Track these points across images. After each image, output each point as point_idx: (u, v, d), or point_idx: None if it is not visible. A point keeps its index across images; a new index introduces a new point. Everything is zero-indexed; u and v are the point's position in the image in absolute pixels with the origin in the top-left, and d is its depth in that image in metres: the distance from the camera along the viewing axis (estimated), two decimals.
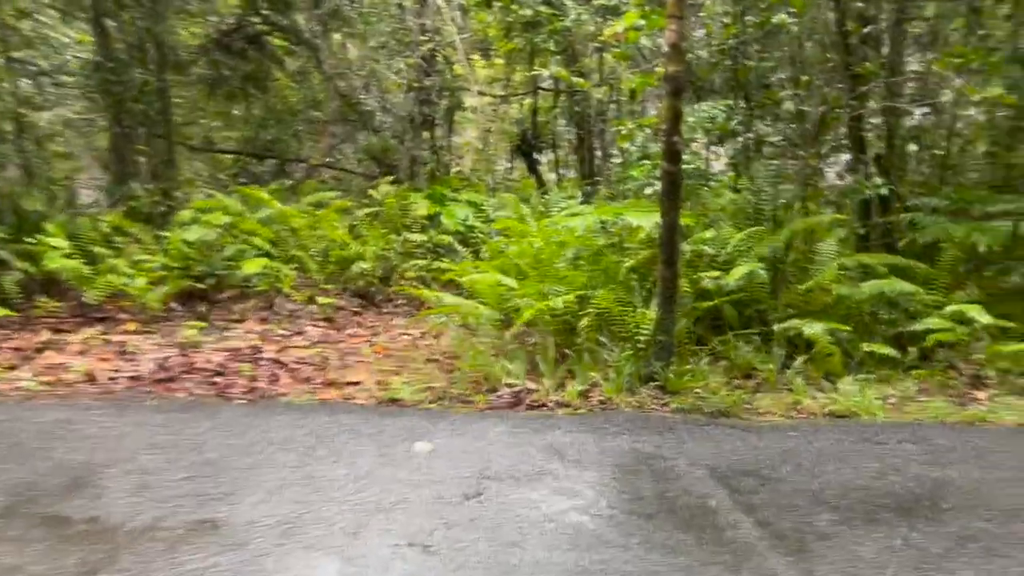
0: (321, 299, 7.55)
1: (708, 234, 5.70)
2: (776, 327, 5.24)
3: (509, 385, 5.00)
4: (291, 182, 11.29)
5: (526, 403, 4.83)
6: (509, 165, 13.21)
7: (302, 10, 10.82)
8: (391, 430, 4.42)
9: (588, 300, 5.32)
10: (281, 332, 7.15)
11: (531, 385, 5.01)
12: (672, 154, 4.60)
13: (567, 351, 5.27)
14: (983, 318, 5.15)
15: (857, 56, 6.54)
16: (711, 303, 5.43)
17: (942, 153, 7.38)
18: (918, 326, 5.44)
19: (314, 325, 7.34)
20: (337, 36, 11.23)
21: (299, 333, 7.15)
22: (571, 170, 12.49)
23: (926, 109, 7.94)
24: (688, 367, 5.02)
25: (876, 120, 6.98)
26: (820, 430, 4.46)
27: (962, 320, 5.45)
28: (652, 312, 4.98)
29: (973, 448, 4.23)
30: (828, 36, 6.88)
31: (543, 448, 4.17)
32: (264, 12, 11.10)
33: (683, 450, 4.19)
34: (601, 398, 4.78)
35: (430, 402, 4.83)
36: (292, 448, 4.17)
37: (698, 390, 4.81)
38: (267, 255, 8.09)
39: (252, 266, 7.54)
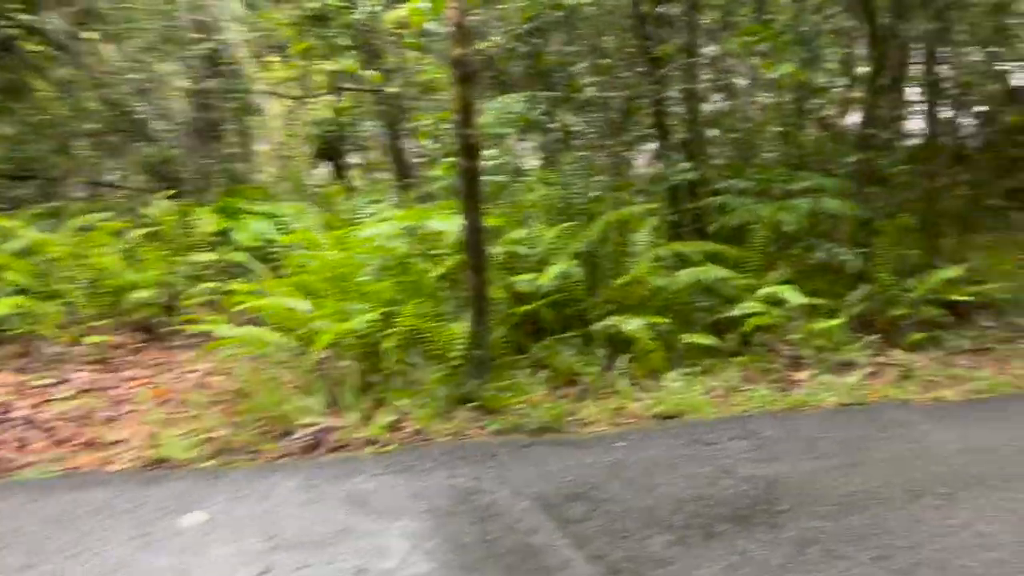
0: (90, 338, 6.42)
1: (519, 233, 5.29)
2: (596, 326, 4.90)
3: (307, 425, 4.30)
4: (59, 204, 9.79)
5: (326, 445, 4.16)
6: (316, 171, 12.32)
7: (51, 8, 9.37)
8: (155, 501, 3.59)
9: (395, 316, 4.72)
10: (40, 383, 5.98)
11: (333, 422, 4.34)
12: (468, 149, 4.11)
13: (374, 377, 4.65)
14: (796, 299, 5.10)
15: (655, 40, 6.42)
16: (528, 307, 5.02)
17: (741, 136, 7.46)
18: (735, 311, 5.32)
19: (82, 370, 6.22)
20: (96, 36, 9.85)
21: (63, 382, 6.00)
22: (386, 172, 11.83)
23: (723, 94, 8.07)
24: (507, 381, 4.56)
25: (680, 108, 6.92)
26: (649, 436, 4.14)
27: (776, 301, 5.41)
28: (464, 325, 4.48)
29: (801, 437, 4.08)
30: (625, 20, 6.73)
31: (345, 500, 3.53)
32: (10, 14, 9.52)
33: (506, 479, 3.70)
34: (414, 428, 4.21)
35: (208, 458, 4.03)
36: (16, 544, 3.25)
37: (519, 406, 4.36)
38: (23, 292, 6.83)
39: (2, 307, 6.29)
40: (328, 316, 4.86)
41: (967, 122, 7.05)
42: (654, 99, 6.11)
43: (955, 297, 5.84)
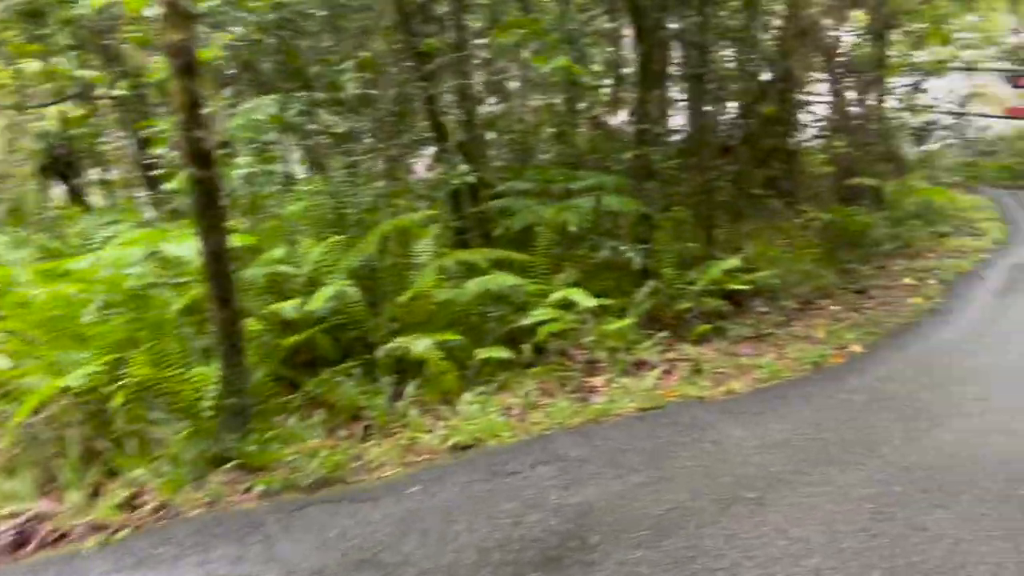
0: None
1: (279, 252, 4.58)
2: (380, 351, 4.33)
3: (9, 515, 3.33)
4: None
5: (38, 539, 3.23)
6: (48, 191, 10.54)
7: None
8: None
9: (127, 364, 3.83)
10: None
11: (47, 507, 3.40)
12: (199, 155, 3.36)
13: (102, 443, 3.73)
14: (586, 301, 4.87)
15: (420, 37, 5.96)
16: (298, 337, 4.34)
17: (517, 137, 7.24)
18: (527, 320, 5.00)
19: None
20: None
21: None
22: (136, 188, 10.36)
23: (498, 96, 7.83)
24: (275, 429, 3.85)
25: (456, 110, 6.54)
26: (445, 474, 3.64)
27: (567, 305, 5.16)
28: (215, 368, 3.71)
29: (606, 453, 3.78)
30: (390, 15, 6.22)
31: None
32: None
33: (275, 555, 3.03)
34: (155, 503, 3.38)
35: None
36: None
37: (291, 457, 3.67)
38: None
39: None
40: (39, 371, 3.86)
41: (728, 116, 7.36)
42: (425, 98, 5.65)
43: (734, 287, 5.96)
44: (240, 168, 4.81)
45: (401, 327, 4.79)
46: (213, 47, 5.15)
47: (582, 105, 8.18)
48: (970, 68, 11.93)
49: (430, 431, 4.01)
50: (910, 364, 5.34)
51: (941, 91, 10.95)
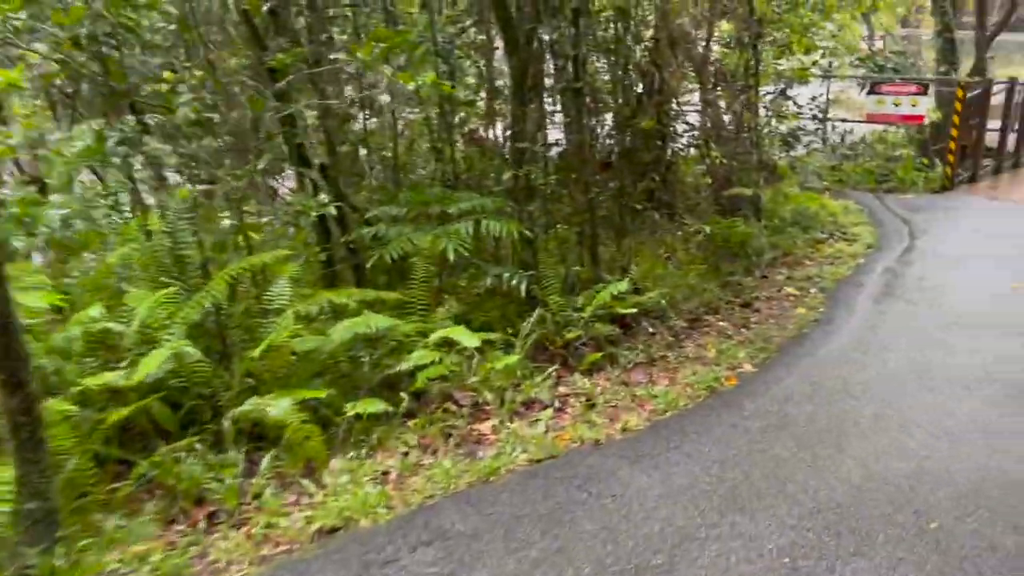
0: None
1: (95, 309, 3.86)
2: (226, 422, 3.70)
3: None
4: None
5: None
6: None
7: None
8: None
9: None
10: None
11: None
12: None
13: None
14: (469, 341, 4.41)
15: (272, 49, 5.34)
16: (127, 409, 3.64)
17: (390, 156, 6.70)
18: (405, 364, 4.49)
19: None
20: None
21: None
22: None
23: (366, 111, 7.26)
24: (92, 534, 3.16)
25: (318, 129, 5.94)
26: (307, 569, 3.08)
27: (449, 342, 4.69)
28: (8, 467, 2.98)
29: (497, 524, 3.33)
30: (232, 23, 5.58)
31: None
32: None
33: None
34: None
35: None
36: None
37: (115, 566, 3.01)
38: None
39: None
40: None
41: (607, 129, 7.12)
42: (280, 119, 5.04)
43: (622, 311, 5.67)
44: (54, 208, 4.05)
45: (257, 385, 4.18)
46: (17, 70, 4.36)
47: (457, 119, 7.74)
48: (830, 75, 12.35)
49: (290, 513, 3.42)
50: (802, 381, 5.22)
51: (804, 98, 11.25)
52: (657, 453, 4.07)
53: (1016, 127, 12.71)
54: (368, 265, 5.41)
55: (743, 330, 6.38)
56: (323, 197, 4.60)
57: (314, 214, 4.60)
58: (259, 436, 3.86)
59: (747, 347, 5.93)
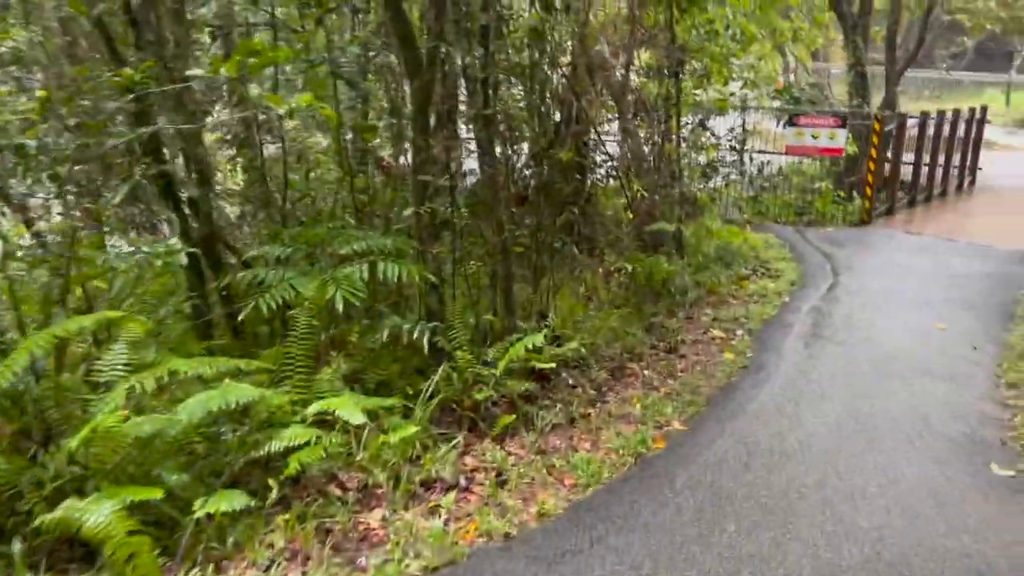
0: None
1: None
2: (16, 542, 2.84)
3: None
4: None
5: None
6: None
7: None
8: None
9: None
10: None
11: None
12: None
13: None
14: (354, 417, 3.67)
15: (131, 65, 4.54)
16: None
17: (274, 189, 5.87)
18: (276, 443, 3.71)
19: None
20: None
21: None
22: None
23: (274, 138, 6.44)
24: None
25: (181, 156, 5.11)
26: None
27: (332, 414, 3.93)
28: None
29: None
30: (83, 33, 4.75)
31: None
32: None
33: None
34: None
35: None
36: None
37: None
38: None
39: None
40: None
41: (523, 160, 6.53)
42: (129, 144, 4.22)
43: (540, 365, 5.03)
44: None
45: (87, 475, 3.32)
46: None
47: (369, 146, 6.99)
48: (747, 107, 12.21)
49: None
50: (736, 442, 4.71)
51: (721, 129, 11.02)
52: (578, 549, 3.42)
53: (927, 161, 12.85)
54: (243, 317, 4.60)
55: (669, 380, 5.85)
56: (174, 241, 3.79)
57: (160, 261, 3.77)
58: (72, 553, 3.00)
59: (674, 400, 5.41)
